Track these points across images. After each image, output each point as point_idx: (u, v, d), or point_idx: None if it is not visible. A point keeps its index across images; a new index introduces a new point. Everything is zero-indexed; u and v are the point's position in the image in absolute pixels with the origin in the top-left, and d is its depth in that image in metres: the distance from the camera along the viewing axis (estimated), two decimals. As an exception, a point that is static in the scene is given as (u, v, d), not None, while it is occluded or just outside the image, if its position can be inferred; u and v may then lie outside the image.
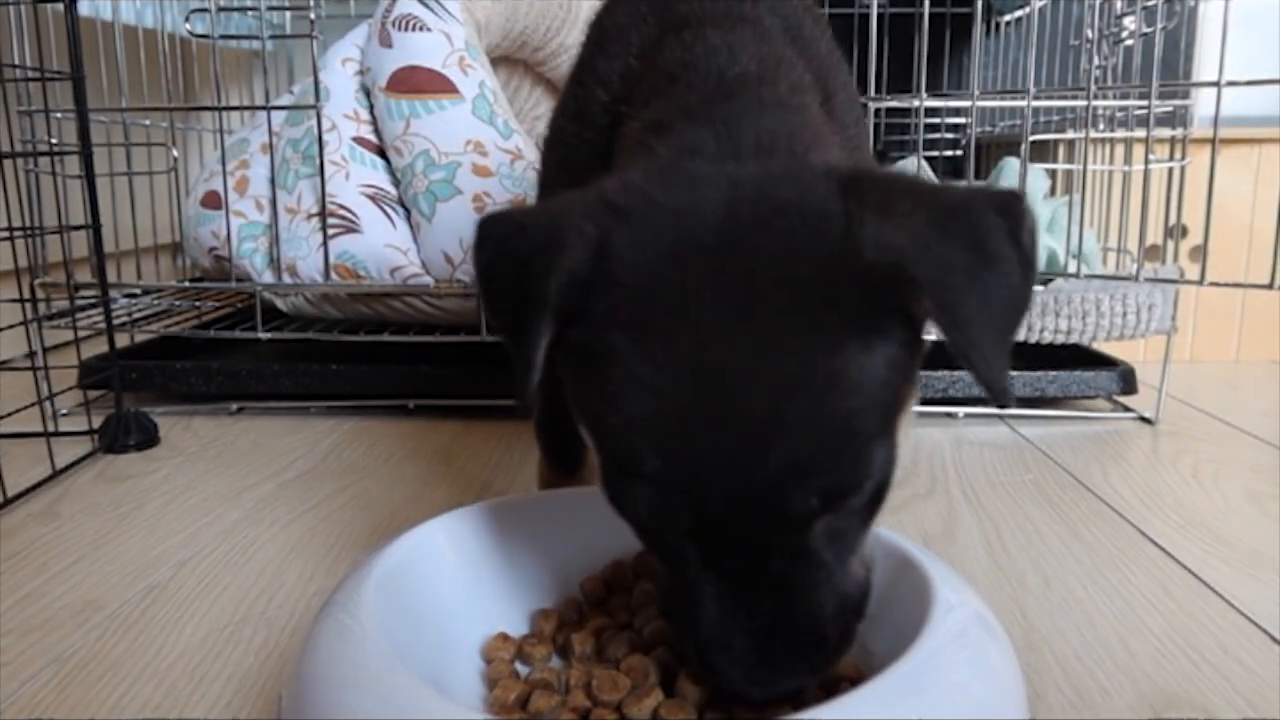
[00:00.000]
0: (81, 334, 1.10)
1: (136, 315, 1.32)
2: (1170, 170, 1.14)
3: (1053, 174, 1.47)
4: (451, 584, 0.55)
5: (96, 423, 1.04)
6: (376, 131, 1.19)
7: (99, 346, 1.11)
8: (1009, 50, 1.78)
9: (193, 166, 1.52)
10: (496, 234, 0.47)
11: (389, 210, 1.16)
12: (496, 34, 1.30)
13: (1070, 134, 1.47)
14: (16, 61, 1.08)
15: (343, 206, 1.15)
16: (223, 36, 1.14)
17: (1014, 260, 0.41)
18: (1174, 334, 1.17)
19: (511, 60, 1.43)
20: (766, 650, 0.43)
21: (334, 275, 1.15)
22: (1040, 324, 1.15)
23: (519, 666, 0.54)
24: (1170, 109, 1.21)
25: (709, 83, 0.54)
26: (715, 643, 0.43)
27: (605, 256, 0.42)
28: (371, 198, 1.16)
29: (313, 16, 1.12)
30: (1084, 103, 1.14)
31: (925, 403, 1.18)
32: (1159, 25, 1.11)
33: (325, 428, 1.13)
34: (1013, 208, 0.42)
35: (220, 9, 1.17)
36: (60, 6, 1.00)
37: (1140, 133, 1.18)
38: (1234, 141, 1.45)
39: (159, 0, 1.37)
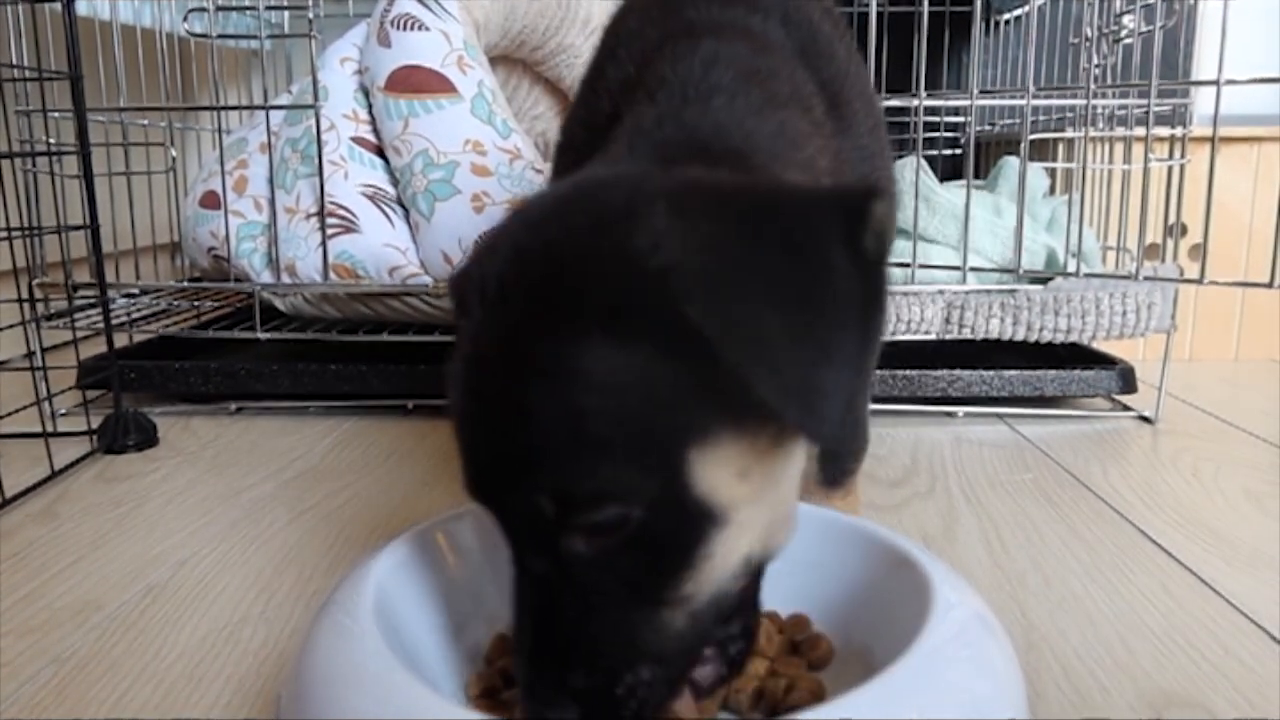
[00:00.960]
0: (80, 334, 1.10)
1: (135, 315, 1.31)
2: (1170, 169, 1.14)
3: (1052, 172, 1.47)
4: (451, 585, 0.55)
5: (95, 423, 1.04)
6: (375, 131, 1.19)
7: (97, 347, 1.11)
8: (1008, 49, 1.78)
9: (191, 166, 1.52)
10: None
11: (388, 210, 1.16)
12: (495, 33, 1.30)
13: (1070, 132, 1.47)
14: (14, 61, 1.08)
15: (341, 206, 1.15)
16: (221, 36, 1.14)
17: (844, 266, 0.37)
18: (1173, 332, 1.17)
19: (510, 59, 1.43)
20: (540, 668, 0.42)
21: (333, 275, 1.15)
22: (1040, 322, 1.15)
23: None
24: (1170, 107, 1.21)
25: (675, 97, 0.54)
26: (513, 645, 0.43)
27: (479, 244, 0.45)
28: (370, 197, 1.16)
29: (311, 16, 1.12)
30: (1083, 101, 1.14)
31: (924, 401, 1.18)
32: (1158, 23, 1.11)
33: (324, 428, 1.13)
34: (855, 208, 0.38)
35: (218, 8, 1.17)
36: (58, 6, 1.00)
37: (1140, 131, 1.18)
38: (1234, 140, 1.45)
39: (157, 0, 1.37)
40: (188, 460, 1.01)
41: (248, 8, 1.22)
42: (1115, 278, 1.16)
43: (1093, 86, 1.11)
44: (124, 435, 1.04)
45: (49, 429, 1.00)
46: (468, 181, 1.12)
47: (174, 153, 1.31)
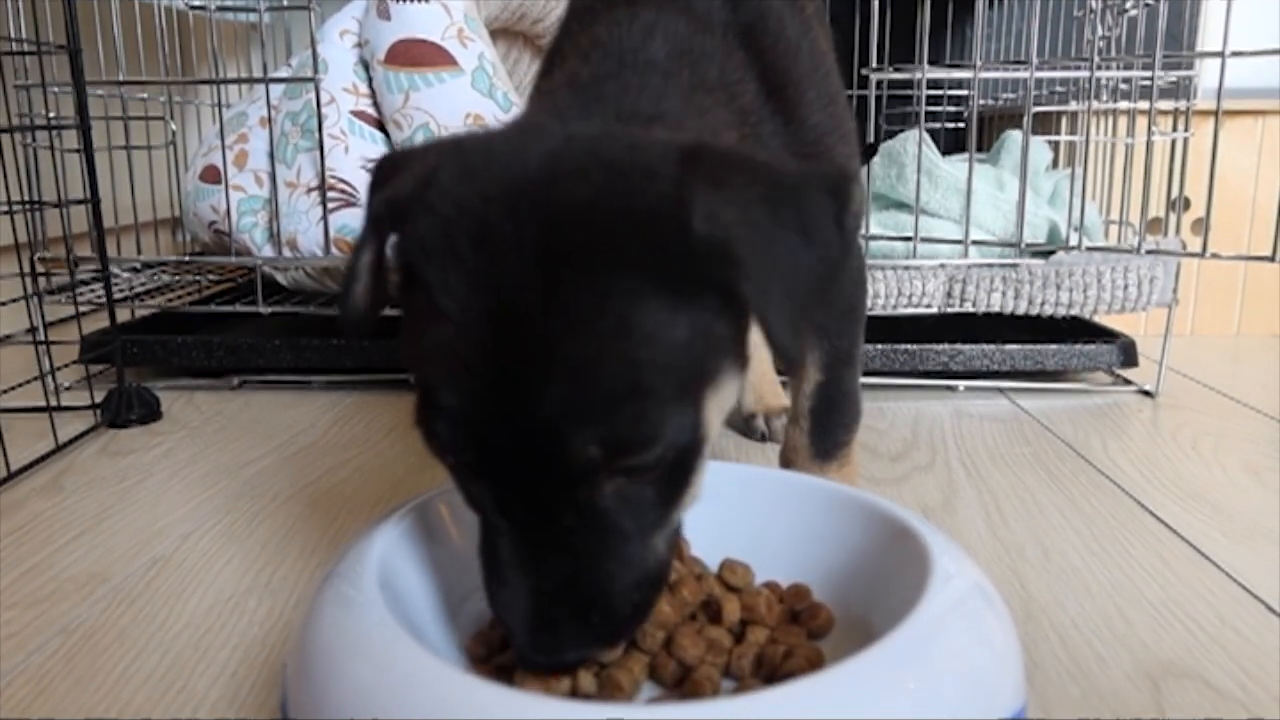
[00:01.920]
0: (82, 309, 1.10)
1: (137, 290, 1.32)
2: (1173, 142, 1.13)
3: (1055, 146, 1.46)
4: (453, 555, 0.56)
5: (98, 397, 1.04)
6: (375, 105, 1.18)
7: (100, 321, 1.11)
8: (1012, 21, 1.76)
9: (191, 140, 1.51)
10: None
11: (389, 184, 1.16)
12: (495, 6, 1.29)
13: (1073, 106, 1.46)
14: (13, 35, 1.08)
15: (342, 180, 1.14)
16: (219, 9, 1.13)
17: (834, 243, 0.43)
18: (1175, 307, 1.17)
19: (510, 32, 1.42)
20: (550, 615, 0.43)
21: (334, 249, 1.14)
22: (1041, 296, 1.15)
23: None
24: (1174, 80, 1.20)
25: (608, 62, 0.56)
26: (503, 600, 0.44)
27: (427, 184, 0.43)
28: (371, 171, 1.15)
29: (310, -12, 1.11)
30: (1087, 74, 1.13)
31: (925, 375, 1.18)
32: (1163, -5, 1.10)
33: (326, 402, 1.13)
34: (841, 190, 0.44)
35: (217, -19, 1.16)
36: (56, -22, 1.00)
37: (1143, 104, 1.17)
38: (1237, 113, 1.44)
39: (155, -28, 1.36)
40: (191, 434, 1.01)
41: (246, -20, 1.21)
42: (1117, 252, 1.15)
43: (1096, 59, 1.10)
44: (127, 409, 1.04)
45: (52, 403, 1.00)
46: (469, 155, 1.12)
47: (174, 127, 1.30)
